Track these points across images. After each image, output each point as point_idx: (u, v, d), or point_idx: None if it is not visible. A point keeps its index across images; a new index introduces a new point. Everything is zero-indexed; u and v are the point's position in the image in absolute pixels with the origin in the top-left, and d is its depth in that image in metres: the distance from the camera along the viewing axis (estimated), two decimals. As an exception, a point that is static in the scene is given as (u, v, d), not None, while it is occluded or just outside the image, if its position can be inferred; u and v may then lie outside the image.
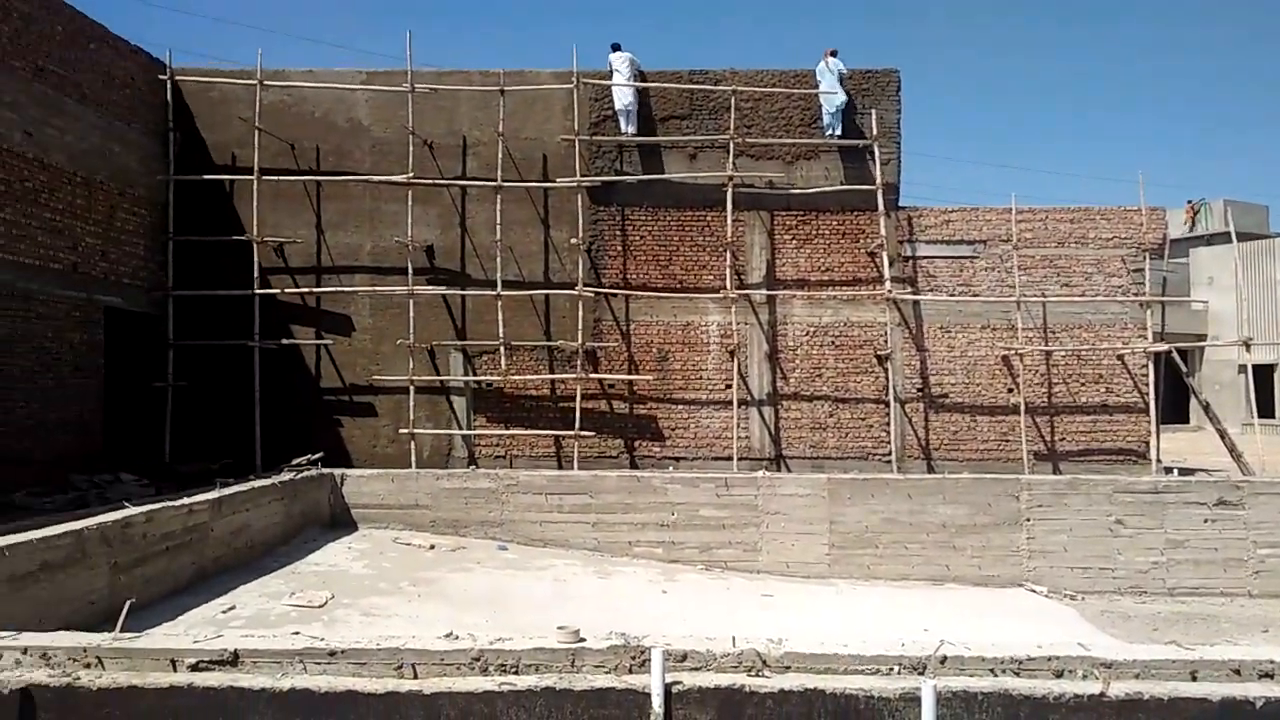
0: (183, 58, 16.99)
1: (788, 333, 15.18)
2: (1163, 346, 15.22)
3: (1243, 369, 25.02)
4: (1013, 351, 14.93)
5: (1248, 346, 15.03)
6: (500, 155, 14.62)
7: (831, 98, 14.96)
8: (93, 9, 12.75)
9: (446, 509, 12.39)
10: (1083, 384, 15.14)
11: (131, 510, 8.54)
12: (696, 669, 5.47)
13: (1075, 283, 15.22)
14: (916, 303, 15.12)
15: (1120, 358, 15.12)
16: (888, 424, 14.88)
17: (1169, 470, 14.70)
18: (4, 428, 11.08)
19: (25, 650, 5.16)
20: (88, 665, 5.18)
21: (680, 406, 15.04)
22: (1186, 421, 31.59)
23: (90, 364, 12.68)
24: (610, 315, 15.11)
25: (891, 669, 5.54)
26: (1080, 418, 15.08)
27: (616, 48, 15.10)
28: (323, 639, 5.49)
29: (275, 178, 14.55)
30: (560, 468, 14.41)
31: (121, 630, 5.49)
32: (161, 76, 14.42)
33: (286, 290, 14.61)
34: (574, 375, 14.58)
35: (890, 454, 14.78)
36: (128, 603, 6.23)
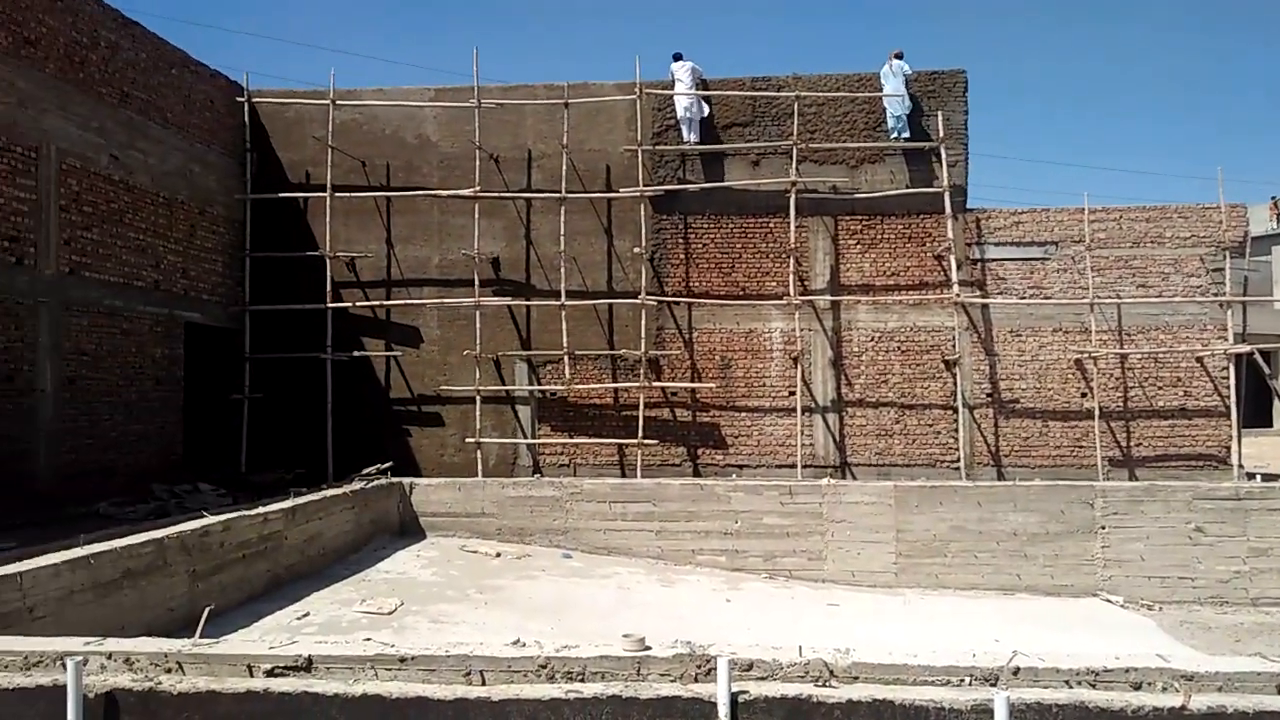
0: (258, 79, 17.52)
1: (852, 338, 15.03)
2: (1244, 348, 14.67)
3: (1333, 370, 23.94)
4: (1086, 355, 14.55)
5: (1337, 347, 14.43)
6: (564, 167, 14.78)
7: (896, 100, 14.79)
8: (175, 35, 13.27)
9: (512, 517, 12.53)
10: (1160, 387, 14.68)
11: (210, 519, 8.81)
12: (762, 678, 5.44)
13: (1151, 283, 14.78)
14: (985, 306, 14.84)
15: (1199, 360, 14.63)
16: (955, 430, 14.62)
17: (1251, 476, 14.17)
18: (90, 440, 11.54)
19: (110, 656, 5.35)
20: (169, 670, 5.35)
21: (743, 414, 14.98)
22: (1270, 425, 30.41)
23: (171, 377, 13.14)
24: (673, 323, 15.13)
25: (963, 680, 5.44)
26: (1157, 422, 14.62)
27: (678, 57, 15.16)
28: (393, 645, 5.59)
29: (347, 194, 14.93)
30: (623, 476, 14.47)
31: (200, 636, 5.65)
32: (239, 99, 14.92)
33: (357, 304, 14.97)
34: (637, 384, 14.64)
35: (958, 461, 14.51)
36: (206, 609, 6.43)
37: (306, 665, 5.43)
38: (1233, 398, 14.49)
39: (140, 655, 5.43)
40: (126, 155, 12.32)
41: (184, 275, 13.52)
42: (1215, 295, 14.64)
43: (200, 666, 5.43)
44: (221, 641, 5.83)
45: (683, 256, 15.20)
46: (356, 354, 14.87)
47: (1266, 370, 15.66)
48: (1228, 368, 14.56)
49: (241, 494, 12.20)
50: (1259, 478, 13.90)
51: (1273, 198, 41.35)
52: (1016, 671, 5.39)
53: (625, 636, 5.73)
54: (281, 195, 15.04)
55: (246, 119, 15.00)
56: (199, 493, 12.04)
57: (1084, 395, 14.64)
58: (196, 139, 13.89)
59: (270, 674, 5.39)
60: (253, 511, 9.48)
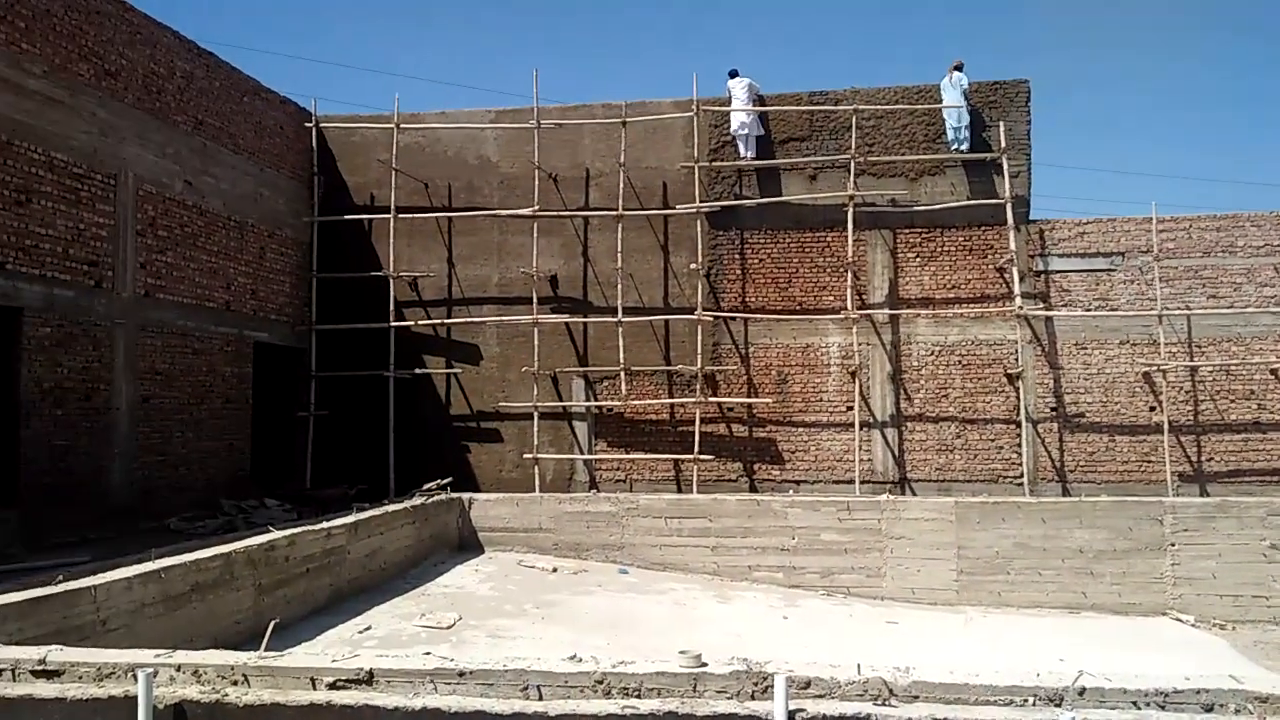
0: (325, 105, 18.03)
1: (912, 352, 14.86)
2: (1324, 360, 14.16)
3: None
4: (1154, 368, 14.18)
5: None
6: (621, 185, 14.91)
7: (955, 112, 14.64)
8: (246, 62, 13.74)
9: (568, 532, 12.61)
10: (1232, 400, 14.24)
11: (275, 534, 9.02)
12: (820, 696, 5.39)
13: (1223, 294, 14.37)
14: (1049, 319, 14.56)
15: (1273, 372, 14.15)
16: (1018, 445, 14.34)
17: (1332, 492, 13.65)
18: (162, 457, 11.93)
19: (179, 668, 5.50)
20: (235, 683, 5.48)
21: (800, 429, 14.89)
22: (1357, 440, 29.15)
23: (240, 396, 13.52)
24: (729, 339, 15.13)
25: (1026, 700, 5.34)
26: (1229, 436, 14.17)
27: (734, 74, 15.21)
28: (452, 659, 5.67)
29: (410, 215, 15.25)
30: (679, 491, 14.48)
31: (265, 649, 5.78)
32: (307, 124, 15.37)
33: (419, 322, 15.26)
34: (693, 399, 14.65)
35: (1021, 476, 14.23)
36: (272, 623, 6.59)
37: (368, 678, 5.53)
38: (1311, 411, 13.98)
39: (208, 667, 5.58)
40: (200, 180, 12.76)
41: (253, 296, 13.92)
42: (1291, 305, 14.16)
43: (265, 679, 5.56)
44: (285, 654, 5.95)
45: (739, 272, 15.20)
46: (418, 371, 15.15)
47: (1348, 382, 15.07)
48: (1305, 380, 14.06)
49: (306, 509, 12.48)
50: (1340, 494, 13.38)
51: (1353, 203, 39.87)
52: (1082, 692, 5.27)
53: (681, 653, 5.73)
54: (347, 217, 15.42)
55: (314, 143, 15.44)
56: (265, 508, 12.35)
57: (1152, 409, 14.26)
58: (266, 164, 14.33)
59: (332, 687, 5.50)
60: (316, 527, 9.67)
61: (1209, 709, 5.18)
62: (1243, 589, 11.16)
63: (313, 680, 5.52)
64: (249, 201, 13.86)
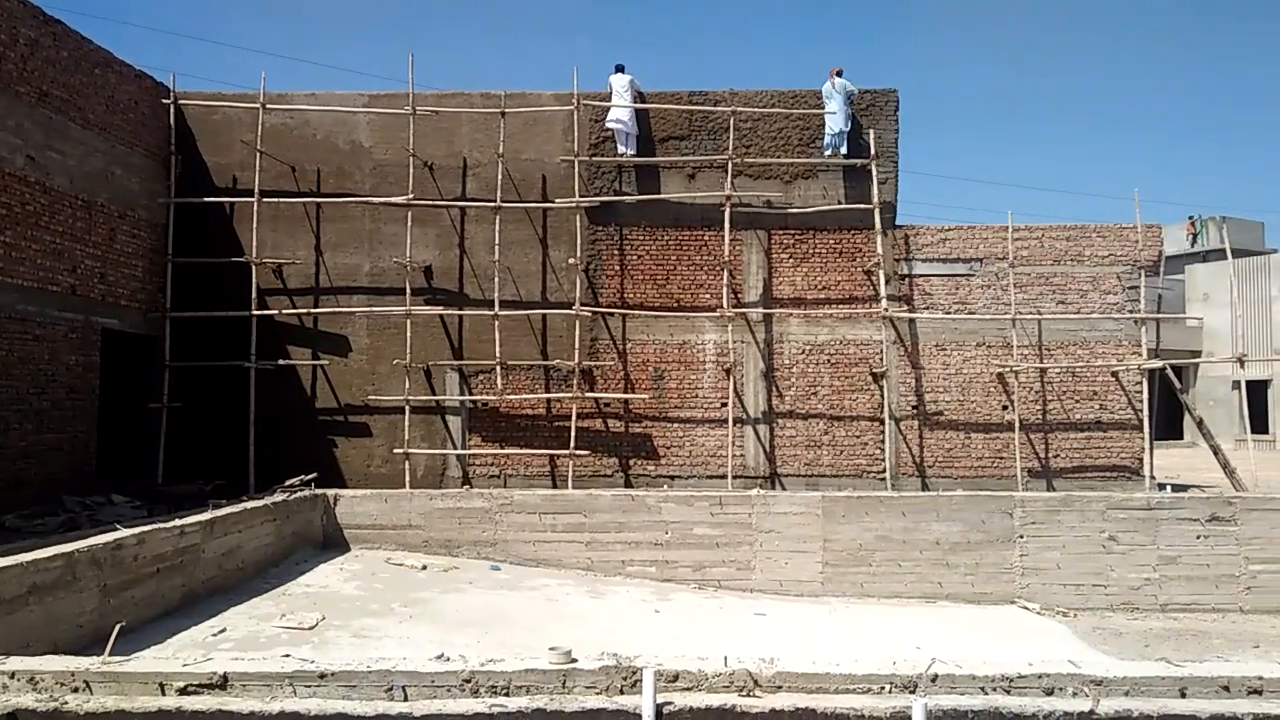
0: (185, 82, 17.11)
1: (784, 351, 15.22)
2: (1157, 363, 15.25)
3: (1236, 385, 25.02)
4: (1008, 369, 14.97)
5: (1241, 363, 15.09)
6: (500, 176, 14.71)
7: (834, 118, 15.04)
8: (101, 33, 12.92)
9: (439, 529, 12.38)
10: (1077, 401, 15.17)
11: (123, 532, 8.53)
12: (688, 689, 5.46)
13: (1071, 300, 15.27)
14: (912, 320, 15.17)
15: (1115, 374, 15.15)
16: (882, 442, 14.90)
17: (1162, 487, 14.71)
18: (-1, 450, 11.10)
19: (13, 675, 5.15)
20: (75, 690, 5.17)
21: (676, 425, 15.06)
22: (1181, 438, 31.62)
23: (86, 386, 12.70)
24: (607, 334, 15.15)
25: (883, 688, 5.54)
26: (1074, 434, 15.10)
27: (620, 69, 15.21)
28: (313, 661, 5.49)
29: (275, 200, 14.64)
30: (555, 487, 14.42)
31: (110, 654, 5.48)
32: (165, 100, 14.54)
33: (283, 311, 14.67)
34: (570, 394, 14.61)
35: (884, 471, 14.79)
36: (117, 626, 6.22)
37: (221, 682, 5.30)
38: (1145, 411, 15.04)
39: (45, 674, 5.24)
40: (44, 156, 11.91)
41: (102, 280, 13.10)
42: (1131, 312, 15.18)
43: (109, 685, 5.26)
44: (132, 659, 5.65)
45: (618, 268, 15.24)
46: (281, 363, 14.57)
47: (1177, 385, 16.28)
48: (1141, 382, 15.10)
49: (158, 506, 11.84)
50: (1169, 488, 14.43)
51: (1189, 218, 43.02)
52: (935, 679, 5.50)
53: (551, 649, 5.71)
54: (207, 200, 14.69)
55: (172, 121, 14.62)
56: (112, 505, 11.65)
57: (1005, 408, 15.04)
58: (119, 141, 13.49)
59: (183, 692, 5.25)
60: (168, 524, 9.20)
61: (1050, 692, 5.50)
62: (1084, 578, 11.90)
63: (161, 685, 5.25)
64: (99, 180, 13.02)
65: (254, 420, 14.03)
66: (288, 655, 5.94)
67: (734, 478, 14.54)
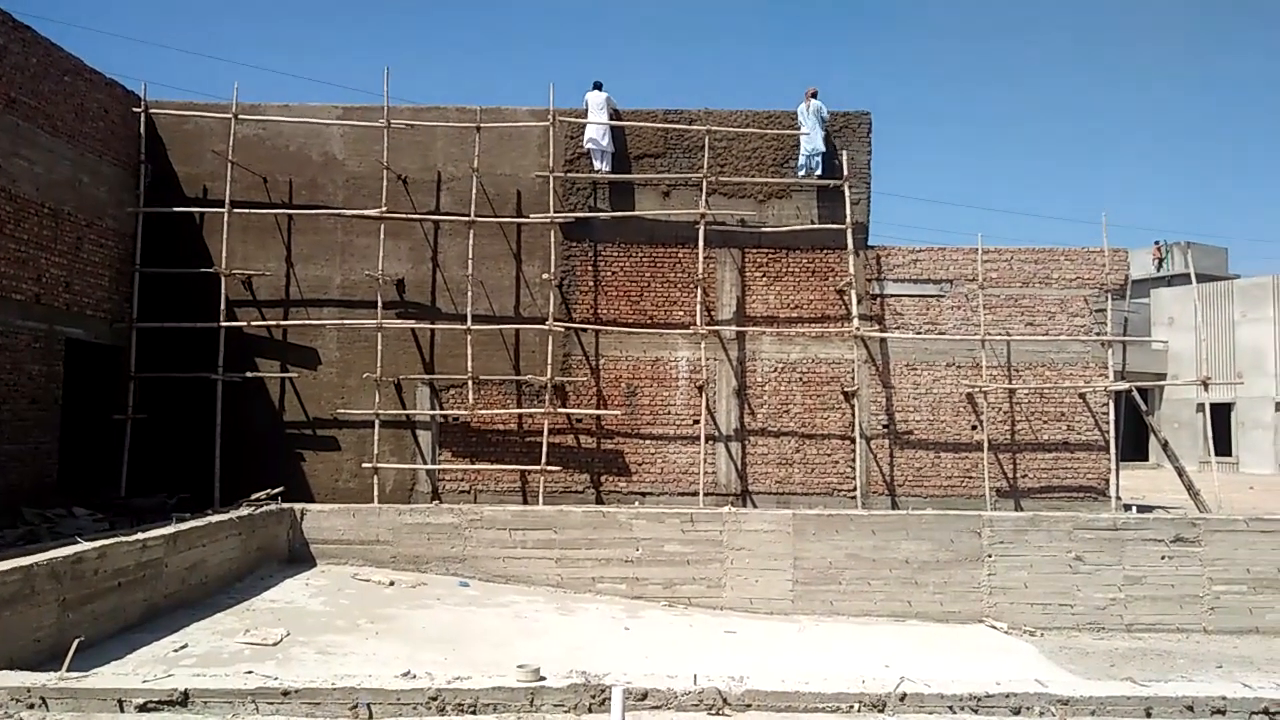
0: (159, 91, 16.96)
1: (756, 369, 15.27)
2: (1123, 385, 15.46)
3: (1200, 408, 25.40)
4: (977, 389, 15.10)
5: (1206, 386, 15.31)
6: (474, 190, 14.68)
7: (808, 139, 15.16)
8: (72, 41, 12.78)
9: (407, 545, 12.27)
10: (1045, 422, 15.33)
11: (84, 545, 8.37)
12: (657, 707, 5.44)
13: (1039, 322, 15.46)
14: (883, 340, 15.27)
15: (1082, 396, 15.33)
16: (853, 460, 14.96)
17: (1128, 507, 14.90)
18: (-43, 460, 10.87)
19: (-33, 689, 5.04)
20: (31, 706, 5.07)
21: (648, 442, 15.04)
22: (1146, 459, 32.07)
23: (48, 396, 12.49)
24: (580, 350, 15.13)
25: (852, 706, 5.55)
26: (1042, 455, 15.25)
27: (599, 86, 15.26)
28: (276, 678, 5.41)
29: (246, 210, 14.51)
30: (525, 503, 14.35)
31: (68, 669, 5.37)
32: (136, 109, 14.39)
33: (252, 323, 14.52)
34: (542, 410, 14.55)
35: (855, 490, 14.85)
36: (75, 641, 6.10)
37: (182, 699, 5.21)
38: (1112, 432, 15.22)
39: (0, 690, 5.12)
40: (10, 163, 11.73)
41: (67, 290, 12.90)
42: (1098, 334, 15.38)
43: (66, 701, 5.16)
44: (91, 675, 5.54)
45: (591, 284, 15.24)
46: (249, 375, 14.40)
47: (1143, 407, 16.51)
48: (1108, 404, 15.29)
49: (120, 519, 11.64)
50: (1134, 509, 14.61)
51: (1155, 242, 43.77)
52: (903, 697, 5.52)
53: (520, 667, 5.66)
54: (176, 210, 14.53)
55: (142, 130, 14.47)
56: (73, 517, 11.44)
57: (974, 428, 15.17)
58: (88, 149, 13.33)
59: (142, 709, 5.15)
60: (130, 538, 9.04)
61: (1017, 711, 5.53)
62: (1051, 598, 11.99)
63: (120, 702, 5.16)
64: (66, 188, 12.85)
65: (220, 433, 13.85)
66: (251, 672, 5.84)
67: (705, 495, 14.54)
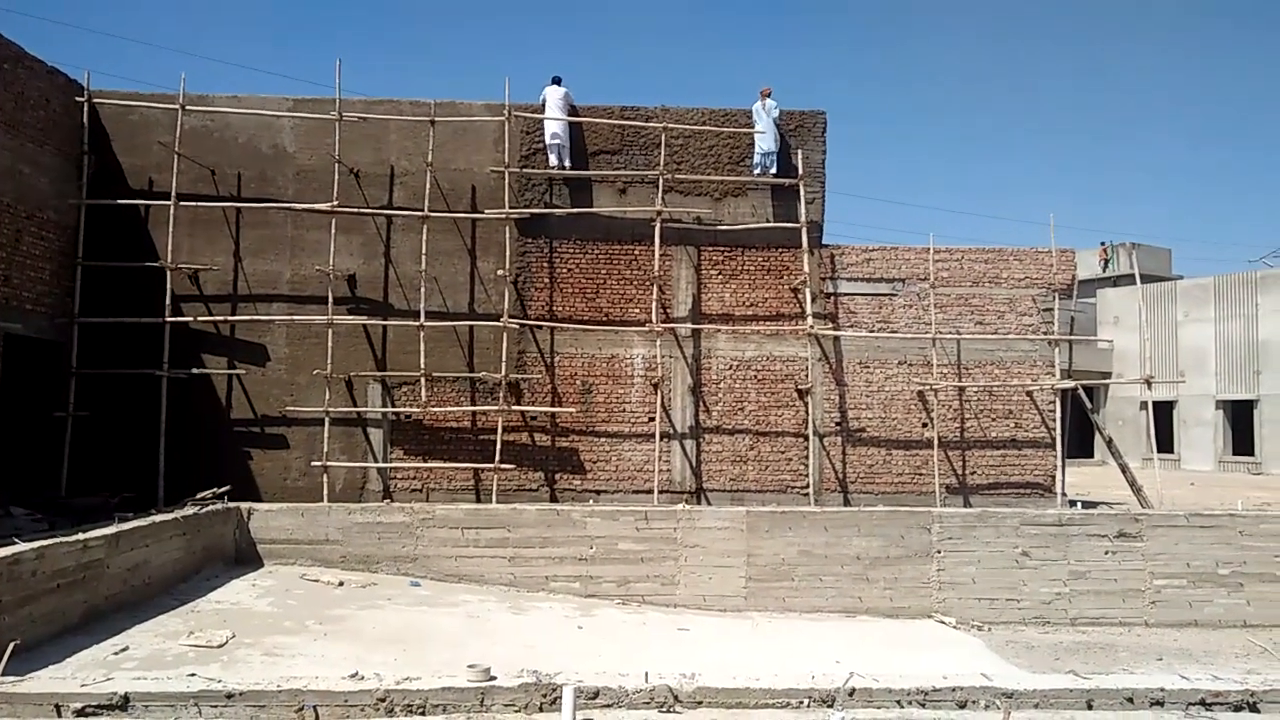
0: (103, 80, 16.55)
1: (711, 366, 15.32)
2: (1069, 384, 15.77)
3: (1144, 406, 26.05)
4: (927, 387, 15.30)
5: (1149, 384, 15.67)
6: (428, 185, 14.53)
7: (765, 138, 15.23)
8: (10, 27, 12.42)
9: (358, 544, 12.11)
10: (993, 419, 15.58)
11: (21, 546, 8.14)
12: (608, 706, 5.44)
13: (988, 321, 15.70)
14: (837, 339, 15.41)
15: (1029, 394, 15.61)
16: (807, 457, 15.08)
17: (1073, 504, 15.21)
18: (-113, 458, 10.52)
19: (-107, 696, 4.87)
20: (-38, 711, 4.91)
21: (603, 439, 15.02)
22: (1091, 456, 32.78)
23: (-15, 392, 12.14)
24: (535, 347, 15.05)
25: (802, 702, 5.58)
26: (990, 452, 15.50)
27: (558, 81, 15.18)
28: (220, 680, 5.32)
29: (193, 203, 14.21)
30: (479, 501, 14.24)
31: (3, 674, 5.22)
32: (79, 98, 14.02)
33: (199, 318, 14.23)
34: (496, 407, 14.46)
35: (808, 487, 14.97)
36: (11, 644, 5.93)
37: (123, 703, 5.10)
38: (1058, 430, 15.52)
39: (-73, 696, 4.96)
40: (-58, 151, 11.39)
41: (5, 283, 12.53)
42: (1045, 334, 15.67)
43: (1, 708, 5.02)
44: (27, 679, 5.41)
45: (547, 280, 15.17)
46: (195, 371, 14.12)
47: (1089, 405, 16.86)
48: (1054, 402, 15.58)
49: (61, 519, 11.34)
50: (1079, 505, 14.93)
51: (1102, 243, 44.74)
52: (852, 693, 5.57)
53: (470, 667, 5.62)
54: (120, 202, 14.19)
55: (86, 120, 14.10)
56: (11, 517, 11.12)
57: (925, 425, 15.37)
58: (28, 138, 12.96)
59: (81, 714, 5.04)
60: (70, 538, 8.81)
61: (963, 705, 5.61)
62: (998, 592, 12.19)
63: (58, 706, 5.04)
64: (5, 179, 12.48)
65: (165, 431, 13.56)
66: (194, 674, 5.73)
67: (660, 493, 14.55)
